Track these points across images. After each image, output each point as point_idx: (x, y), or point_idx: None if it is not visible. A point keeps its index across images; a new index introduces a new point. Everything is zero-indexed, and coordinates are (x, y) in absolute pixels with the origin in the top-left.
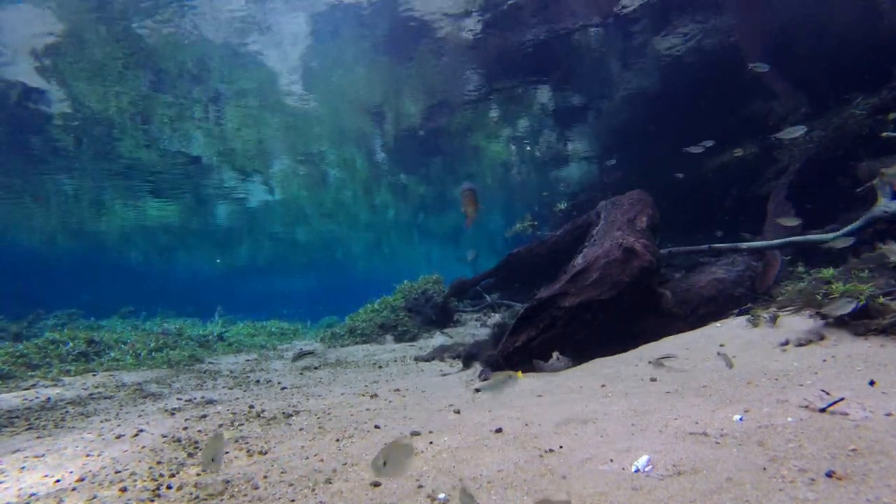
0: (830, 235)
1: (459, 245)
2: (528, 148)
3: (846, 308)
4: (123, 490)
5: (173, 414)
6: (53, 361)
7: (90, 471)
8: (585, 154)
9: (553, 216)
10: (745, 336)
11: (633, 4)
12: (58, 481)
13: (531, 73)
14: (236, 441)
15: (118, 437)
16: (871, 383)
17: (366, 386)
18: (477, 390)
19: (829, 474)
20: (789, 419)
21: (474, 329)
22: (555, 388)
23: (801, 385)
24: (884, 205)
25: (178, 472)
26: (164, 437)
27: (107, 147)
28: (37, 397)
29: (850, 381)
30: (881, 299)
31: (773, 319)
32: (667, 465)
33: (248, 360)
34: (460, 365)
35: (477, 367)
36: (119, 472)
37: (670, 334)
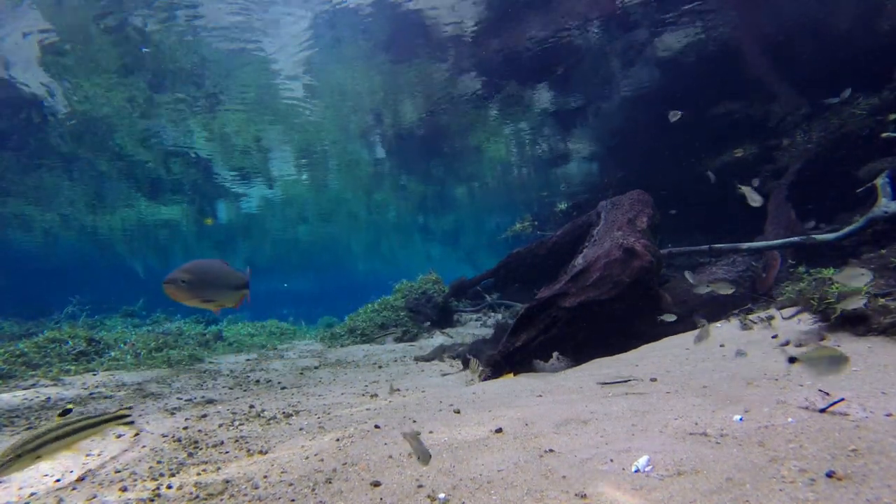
0: (831, 236)
1: (458, 245)
2: (528, 147)
3: (858, 303)
4: (123, 490)
5: (173, 413)
6: (53, 361)
7: (90, 470)
8: (585, 153)
9: (553, 216)
10: (745, 336)
11: (632, 1)
12: (58, 481)
13: (531, 72)
14: (236, 441)
15: (118, 436)
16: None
17: (366, 386)
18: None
19: (830, 475)
20: (789, 419)
21: (474, 329)
22: (555, 388)
23: (801, 385)
24: (884, 205)
25: (178, 472)
26: (164, 436)
27: (107, 146)
28: (37, 397)
29: (849, 382)
30: (881, 300)
31: (772, 320)
32: (667, 466)
33: (248, 360)
34: (460, 365)
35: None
36: (119, 471)
37: (670, 335)
